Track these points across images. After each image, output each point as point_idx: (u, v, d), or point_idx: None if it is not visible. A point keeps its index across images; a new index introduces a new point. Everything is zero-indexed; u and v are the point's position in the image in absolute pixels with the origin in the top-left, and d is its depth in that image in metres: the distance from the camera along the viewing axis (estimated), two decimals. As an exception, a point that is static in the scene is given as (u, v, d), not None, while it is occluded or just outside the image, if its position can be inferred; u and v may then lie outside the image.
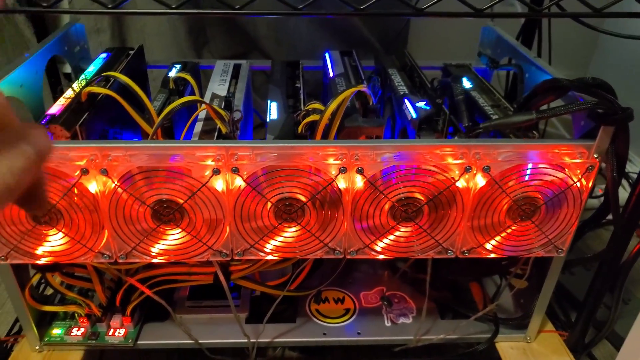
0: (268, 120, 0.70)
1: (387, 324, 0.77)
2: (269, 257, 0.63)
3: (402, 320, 0.78)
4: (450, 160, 0.57)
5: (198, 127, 0.67)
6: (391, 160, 0.56)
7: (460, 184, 0.57)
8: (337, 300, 0.81)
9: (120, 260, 0.61)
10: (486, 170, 0.56)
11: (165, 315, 0.78)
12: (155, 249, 0.61)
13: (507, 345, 0.76)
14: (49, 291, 0.81)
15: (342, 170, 0.55)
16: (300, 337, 0.75)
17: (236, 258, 0.62)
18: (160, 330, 0.75)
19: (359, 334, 0.76)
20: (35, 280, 0.69)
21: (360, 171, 0.55)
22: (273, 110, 0.71)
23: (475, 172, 0.56)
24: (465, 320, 0.75)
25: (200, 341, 0.74)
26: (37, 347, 0.73)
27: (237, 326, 0.75)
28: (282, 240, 0.61)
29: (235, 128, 0.66)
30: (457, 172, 0.57)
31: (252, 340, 0.73)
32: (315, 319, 0.78)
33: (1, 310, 0.96)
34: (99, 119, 0.65)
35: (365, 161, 0.56)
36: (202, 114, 0.69)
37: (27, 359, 0.73)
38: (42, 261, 0.61)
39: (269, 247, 0.62)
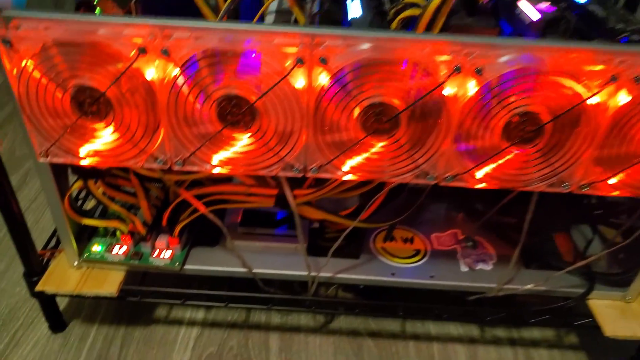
0: (349, 19, 0.59)
1: (464, 269, 0.68)
2: (347, 178, 0.54)
3: (480, 266, 0.69)
4: (590, 68, 0.45)
5: (269, 20, 0.57)
6: (516, 64, 0.45)
7: (597, 99, 0.46)
8: (405, 240, 0.72)
9: (176, 167, 0.52)
10: (638, 81, 0.44)
11: (215, 240, 0.70)
12: (217, 157, 0.52)
13: (602, 304, 0.66)
14: (88, 205, 0.74)
15: (456, 69, 0.45)
16: (365, 275, 0.66)
17: (309, 175, 0.53)
18: (209, 256, 0.68)
19: (431, 277, 0.67)
20: (75, 188, 0.61)
21: (478, 72, 0.45)
22: (355, 8, 0.60)
23: (619, 84, 0.45)
24: (557, 271, 0.65)
25: (254, 270, 0.66)
26: (75, 263, 0.66)
27: (293, 258, 0.67)
28: (366, 157, 0.51)
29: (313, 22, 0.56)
30: (595, 84, 0.45)
31: (312, 274, 0.65)
32: (381, 257, 0.69)
33: (36, 226, 0.90)
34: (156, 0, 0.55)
35: (483, 62, 0.45)
36: (273, 5, 0.58)
37: (64, 275, 0.66)
38: (85, 162, 0.53)
39: (349, 164, 0.52)
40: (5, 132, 1.14)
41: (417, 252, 0.70)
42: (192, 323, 0.75)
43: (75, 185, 0.61)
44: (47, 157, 0.52)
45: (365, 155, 0.51)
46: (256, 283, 0.67)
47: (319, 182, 0.62)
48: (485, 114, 0.48)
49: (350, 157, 0.51)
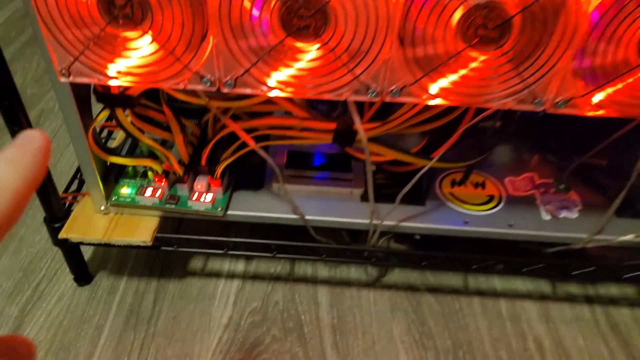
0: None
1: (545, 217, 0.59)
2: (434, 102, 0.44)
3: (564, 214, 0.60)
4: None
5: None
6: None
7: None
8: (476, 185, 0.63)
9: (226, 89, 0.43)
10: None
11: (259, 183, 0.61)
12: (277, 76, 0.42)
13: None
14: (114, 143, 0.65)
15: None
16: (434, 224, 0.58)
17: (388, 99, 0.43)
18: (253, 201, 0.59)
19: (510, 226, 0.58)
20: (101, 118, 0.52)
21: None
22: None
23: None
24: (657, 220, 0.56)
25: (306, 217, 0.57)
26: (102, 208, 0.58)
27: (348, 204, 0.59)
28: (461, 76, 0.42)
29: None
30: None
31: (375, 222, 0.56)
32: (450, 204, 0.60)
33: (54, 170, 0.82)
34: None
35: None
36: None
37: (89, 221, 0.58)
38: (115, 82, 0.43)
39: (439, 85, 0.42)
40: (15, 70, 1.04)
41: (491, 198, 0.61)
42: (231, 275, 0.68)
43: (102, 115, 0.52)
44: (68, 75, 0.43)
45: (461, 72, 0.41)
46: (301, 232, 0.58)
47: (377, 116, 0.52)
48: (620, 21, 0.37)
49: (444, 76, 0.42)
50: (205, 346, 0.60)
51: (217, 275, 0.68)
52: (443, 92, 0.43)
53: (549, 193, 0.62)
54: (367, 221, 0.57)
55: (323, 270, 0.69)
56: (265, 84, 0.43)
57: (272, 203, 0.59)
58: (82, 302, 0.64)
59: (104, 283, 0.66)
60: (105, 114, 0.52)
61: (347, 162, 0.63)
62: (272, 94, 0.43)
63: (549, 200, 0.61)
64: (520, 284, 0.69)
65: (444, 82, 0.42)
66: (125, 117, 0.52)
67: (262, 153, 0.52)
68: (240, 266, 0.69)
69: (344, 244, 0.63)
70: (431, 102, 0.44)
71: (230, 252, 0.60)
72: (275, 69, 0.42)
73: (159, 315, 0.62)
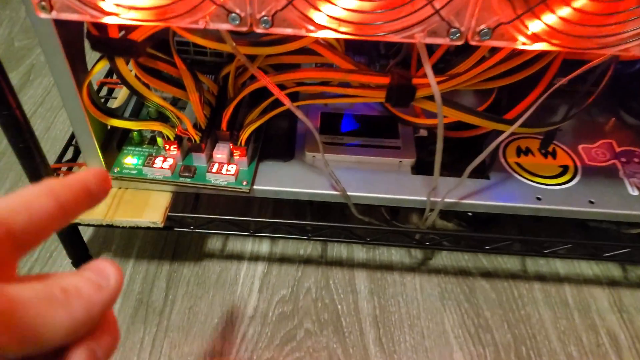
0: None
1: (633, 192, 0.49)
2: (532, 47, 0.33)
3: (654, 188, 0.50)
4: None
5: None
6: None
7: None
8: (546, 154, 0.53)
9: (260, 29, 0.32)
10: None
11: (289, 153, 0.51)
12: (328, 10, 0.32)
13: None
14: (115, 103, 0.55)
15: None
16: (502, 200, 0.48)
17: (474, 42, 0.33)
18: (283, 174, 0.49)
19: (591, 203, 0.48)
20: (98, 70, 0.42)
21: None
22: None
23: None
24: None
25: (348, 193, 0.47)
26: (102, 182, 0.48)
27: (398, 177, 0.49)
28: (577, 8, 0.31)
29: None
30: None
31: (433, 199, 0.47)
32: (518, 177, 0.50)
33: (46, 135, 0.72)
34: None
35: None
36: None
37: (88, 197, 0.48)
38: (112, 20, 0.33)
39: (540, 24, 0.32)
40: (0, 20, 0.92)
41: (565, 170, 0.51)
42: (255, 257, 0.59)
43: (98, 66, 0.41)
44: (50, 10, 0.32)
45: (577, 3, 0.31)
46: (335, 209, 0.49)
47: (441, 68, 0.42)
48: None
49: (551, 10, 0.31)
50: (228, 342, 0.51)
51: (238, 257, 0.58)
52: (546, 34, 0.32)
53: (633, 163, 0.52)
54: (423, 198, 0.47)
55: (360, 252, 0.60)
56: (312, 21, 0.32)
57: (305, 176, 0.49)
58: (82, 290, 0.55)
59: (107, 267, 0.57)
60: (102, 64, 0.41)
61: (392, 126, 0.53)
62: (321, 34, 0.33)
63: (634, 171, 0.51)
64: (585, 267, 0.60)
65: (550, 18, 0.32)
66: (129, 70, 0.42)
67: (299, 114, 0.42)
68: (264, 246, 0.60)
69: (388, 225, 0.54)
70: (529, 47, 0.33)
71: (257, 234, 0.50)
72: (327, 1, 0.31)
73: (172, 306, 0.54)
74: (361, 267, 0.58)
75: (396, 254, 0.60)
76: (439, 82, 0.42)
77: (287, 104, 0.41)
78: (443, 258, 0.60)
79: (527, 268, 0.59)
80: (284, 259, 0.58)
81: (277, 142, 0.52)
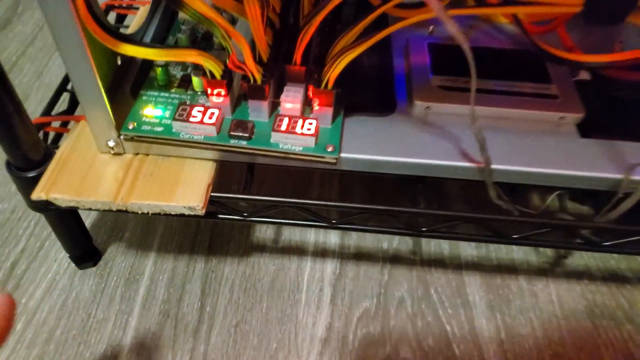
0: None
1: None
2: None
3: None
4: None
5: None
6: None
7: None
8: None
9: None
10: None
11: (388, 102, 0.34)
12: None
13: None
14: (129, 30, 0.38)
15: None
16: None
17: None
18: (380, 136, 0.32)
19: None
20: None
21: None
22: None
23: None
24: None
25: (492, 166, 0.30)
26: (110, 144, 0.31)
27: (559, 141, 0.32)
28: None
29: None
30: None
31: (634, 178, 0.30)
32: None
33: (37, 81, 0.55)
34: None
35: None
36: None
37: (89, 167, 0.32)
38: None
39: None
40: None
41: None
42: (320, 252, 0.42)
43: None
44: None
45: None
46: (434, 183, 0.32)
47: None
48: None
49: None
50: (295, 380, 0.35)
51: (299, 250, 0.42)
52: None
53: None
54: (616, 176, 0.30)
55: (467, 247, 0.43)
56: None
57: (416, 138, 0.32)
58: (84, 298, 0.39)
59: (118, 265, 0.41)
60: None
61: (539, 64, 0.36)
62: None
63: None
64: None
65: None
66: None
67: (453, 28, 0.24)
68: (333, 236, 0.43)
69: (541, 216, 0.36)
70: None
71: (343, 226, 0.34)
72: None
73: (211, 322, 0.38)
74: (472, 269, 0.42)
75: (518, 251, 0.43)
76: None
77: (435, 7, 0.23)
78: (583, 255, 0.43)
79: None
80: (361, 255, 0.42)
81: (368, 87, 0.35)
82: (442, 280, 0.41)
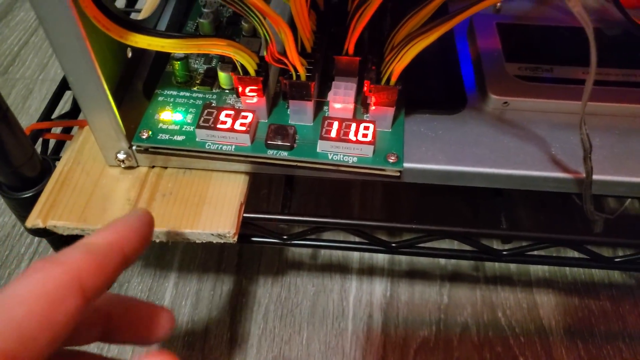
0: None
1: None
2: None
3: None
4: None
5: None
6: None
7: None
8: None
9: None
10: None
11: (457, 98, 0.28)
12: None
13: None
14: (140, 16, 0.32)
15: None
16: None
17: None
18: (448, 139, 0.26)
19: None
20: None
21: None
22: None
23: None
24: None
25: (594, 177, 0.24)
26: (119, 156, 0.26)
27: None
28: None
29: None
30: None
31: None
32: None
33: (41, 75, 0.49)
34: None
35: None
36: None
37: (94, 185, 0.26)
38: None
39: None
40: None
41: None
42: (367, 271, 0.36)
43: None
44: None
45: None
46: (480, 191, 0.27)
47: None
48: None
49: None
50: None
51: (341, 268, 0.36)
52: None
53: None
54: None
55: (537, 271, 0.37)
56: None
57: (496, 142, 0.26)
58: (97, 329, 0.34)
59: (134, 288, 0.36)
60: None
61: (634, 45, 0.29)
62: None
63: None
64: None
65: None
66: None
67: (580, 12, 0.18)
68: (379, 255, 0.37)
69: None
70: None
71: (403, 250, 0.28)
72: None
73: (244, 356, 0.32)
74: (544, 286, 0.36)
75: (605, 275, 0.37)
76: None
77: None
78: (674, 271, 0.37)
79: None
80: (414, 273, 0.36)
81: (430, 79, 0.29)
82: (510, 301, 0.35)
